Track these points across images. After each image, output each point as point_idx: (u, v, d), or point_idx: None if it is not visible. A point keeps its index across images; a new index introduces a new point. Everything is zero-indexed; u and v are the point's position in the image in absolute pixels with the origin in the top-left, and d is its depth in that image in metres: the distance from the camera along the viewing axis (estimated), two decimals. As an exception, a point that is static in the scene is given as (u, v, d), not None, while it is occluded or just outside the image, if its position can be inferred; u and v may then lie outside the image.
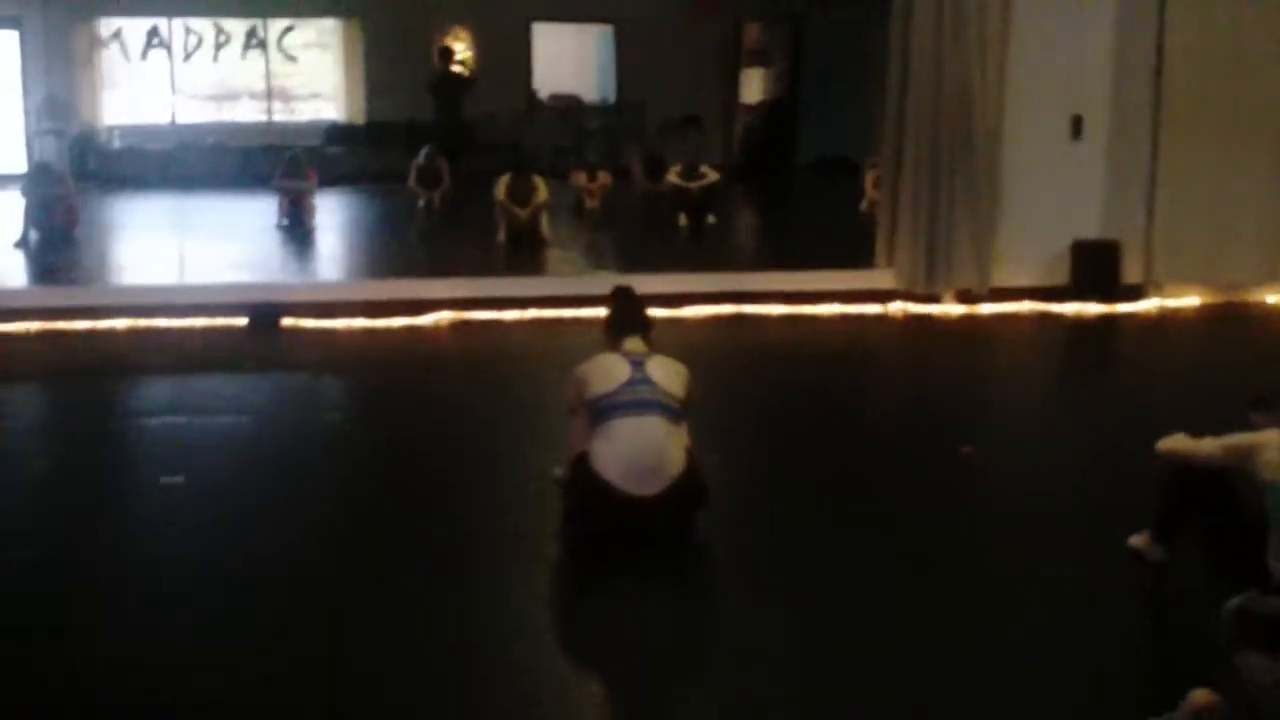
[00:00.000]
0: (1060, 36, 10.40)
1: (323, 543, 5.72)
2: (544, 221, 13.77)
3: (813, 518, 6.07)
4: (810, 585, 5.28)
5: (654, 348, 5.95)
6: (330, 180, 18.57)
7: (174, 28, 20.71)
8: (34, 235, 13.32)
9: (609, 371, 5.73)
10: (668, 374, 5.77)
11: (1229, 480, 4.99)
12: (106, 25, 20.56)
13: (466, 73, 19.42)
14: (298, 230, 14.55)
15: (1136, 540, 5.36)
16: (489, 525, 5.90)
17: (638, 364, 5.75)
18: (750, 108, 22.56)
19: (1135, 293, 10.72)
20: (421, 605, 5.04)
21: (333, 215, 16.03)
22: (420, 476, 6.66)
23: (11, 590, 5.13)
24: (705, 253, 13.30)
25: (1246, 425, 5.01)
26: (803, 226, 16.05)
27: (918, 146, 10.41)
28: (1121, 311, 10.58)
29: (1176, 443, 5.17)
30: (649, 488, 5.58)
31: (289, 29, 21.15)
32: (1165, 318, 10.57)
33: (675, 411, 5.72)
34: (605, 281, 10.83)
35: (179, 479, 6.45)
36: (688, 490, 5.70)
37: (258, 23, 20.93)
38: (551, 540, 5.76)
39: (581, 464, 5.67)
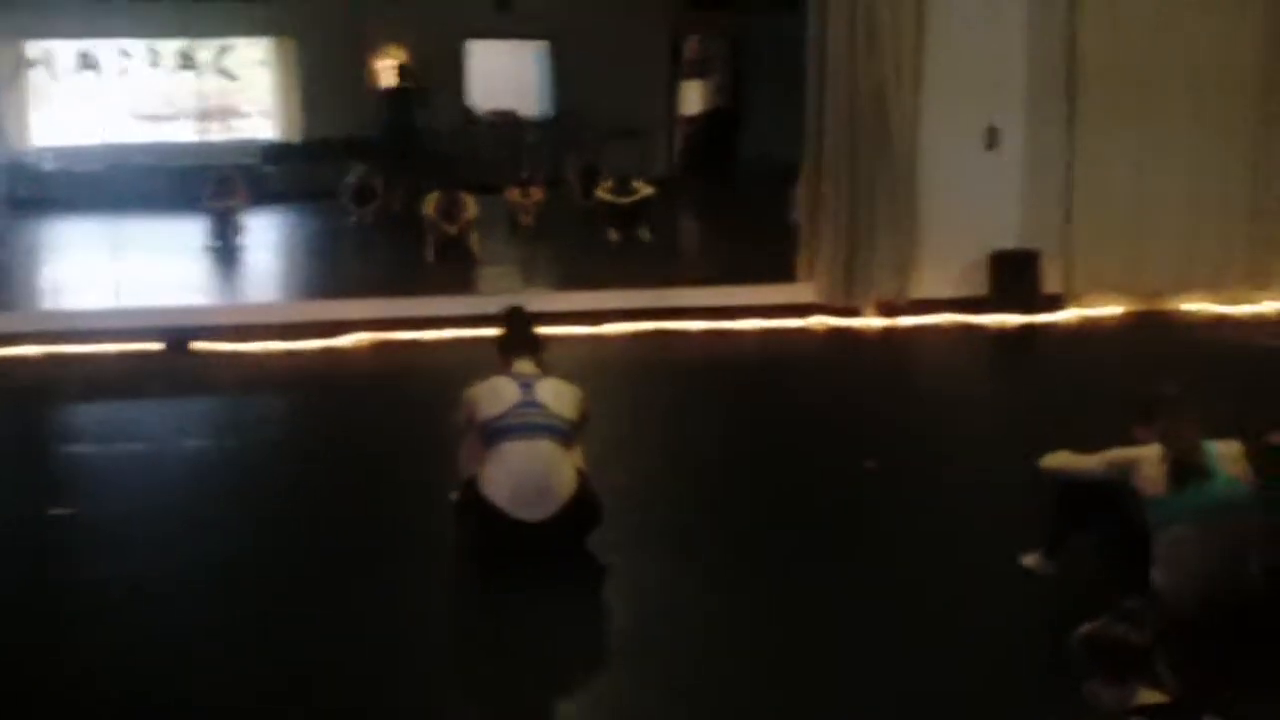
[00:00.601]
0: (974, 47, 10.39)
1: (209, 568, 5.64)
2: (472, 238, 13.71)
3: (710, 534, 6.05)
4: (703, 600, 5.28)
5: (546, 369, 5.89)
6: (266, 198, 18.51)
7: (105, 48, 20.51)
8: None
9: (499, 394, 5.68)
10: (558, 396, 5.72)
11: (1115, 495, 4.97)
12: (34, 47, 20.36)
13: (418, 86, 19.41)
14: (226, 250, 14.42)
15: (1028, 559, 5.34)
16: (388, 545, 5.86)
17: (527, 386, 5.69)
18: (690, 119, 22.62)
19: (1055, 303, 10.73)
20: (309, 624, 5.02)
21: (265, 234, 15.90)
22: (319, 499, 6.60)
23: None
24: (634, 268, 13.22)
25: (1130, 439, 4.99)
26: (737, 238, 15.95)
27: (835, 159, 10.40)
28: (1041, 322, 10.59)
29: (1059, 459, 5.17)
30: (539, 511, 5.53)
31: (224, 49, 21.02)
32: (1085, 327, 10.57)
33: (565, 434, 5.67)
34: (528, 299, 10.94)
35: (69, 510, 6.35)
36: (579, 513, 5.66)
37: (191, 42, 20.80)
38: (447, 561, 5.69)
39: (471, 487, 5.62)
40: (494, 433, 5.59)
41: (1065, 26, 10.38)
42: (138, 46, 20.64)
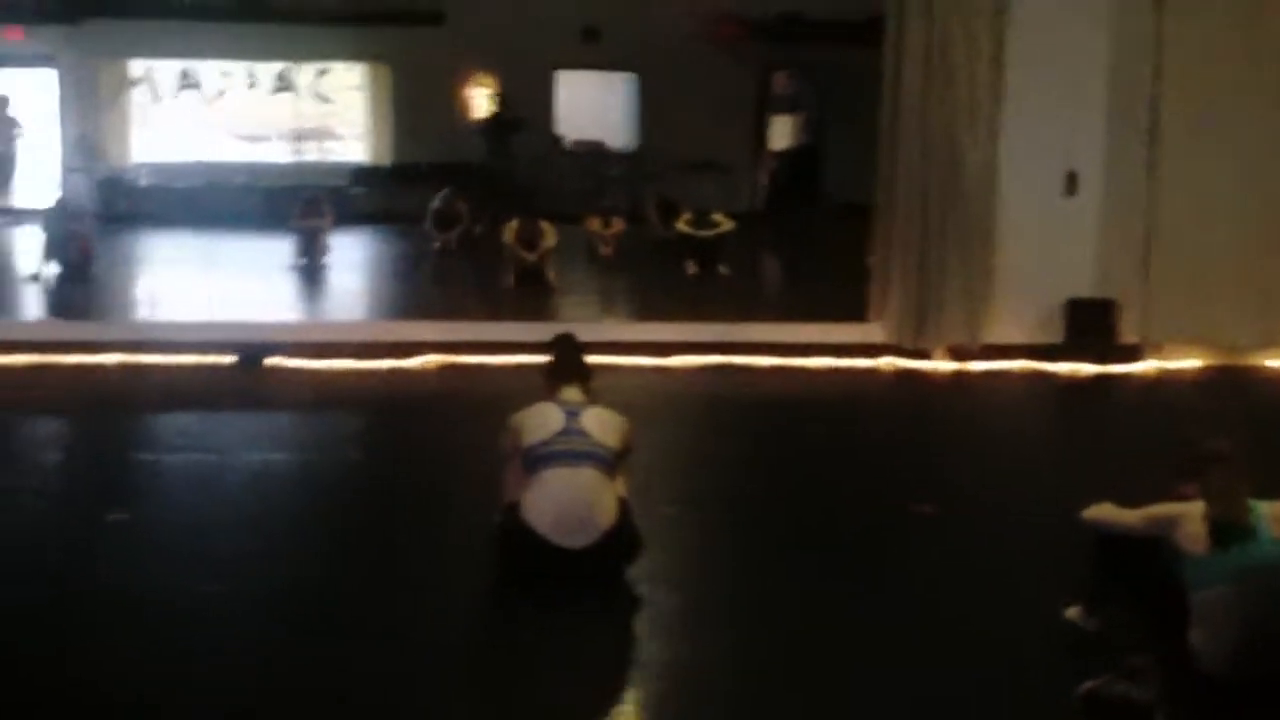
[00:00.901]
0: (1054, 91, 10.30)
1: (251, 578, 5.72)
2: (550, 266, 13.80)
3: (757, 570, 6.04)
4: (745, 636, 5.28)
5: (593, 397, 5.93)
6: (353, 220, 18.83)
7: (205, 69, 20.97)
8: (50, 270, 13.48)
9: (544, 420, 5.72)
10: (603, 425, 5.76)
11: (1154, 550, 4.90)
12: (138, 66, 20.85)
13: (514, 115, 19.61)
14: (311, 269, 14.65)
15: (1072, 612, 5.27)
16: (433, 566, 5.92)
17: (572, 414, 5.74)
18: (776, 154, 22.63)
19: (1131, 353, 10.58)
20: (344, 640, 5.10)
21: (350, 254, 16.14)
22: (369, 517, 6.68)
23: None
24: (708, 302, 13.24)
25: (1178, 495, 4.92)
26: (814, 276, 15.98)
27: (907, 201, 10.35)
28: (1116, 372, 10.43)
29: (1101, 511, 5.10)
30: (580, 539, 5.57)
31: (323, 72, 21.40)
32: (1162, 379, 10.38)
33: (608, 462, 5.70)
34: (594, 328, 11.01)
35: (125, 515, 6.48)
36: (619, 543, 5.68)
37: (289, 66, 21.20)
38: (486, 584, 5.73)
39: (512, 513, 5.65)
40: (537, 459, 5.63)
41: (1147, 70, 10.25)
42: (237, 68, 21.02)
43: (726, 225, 15.15)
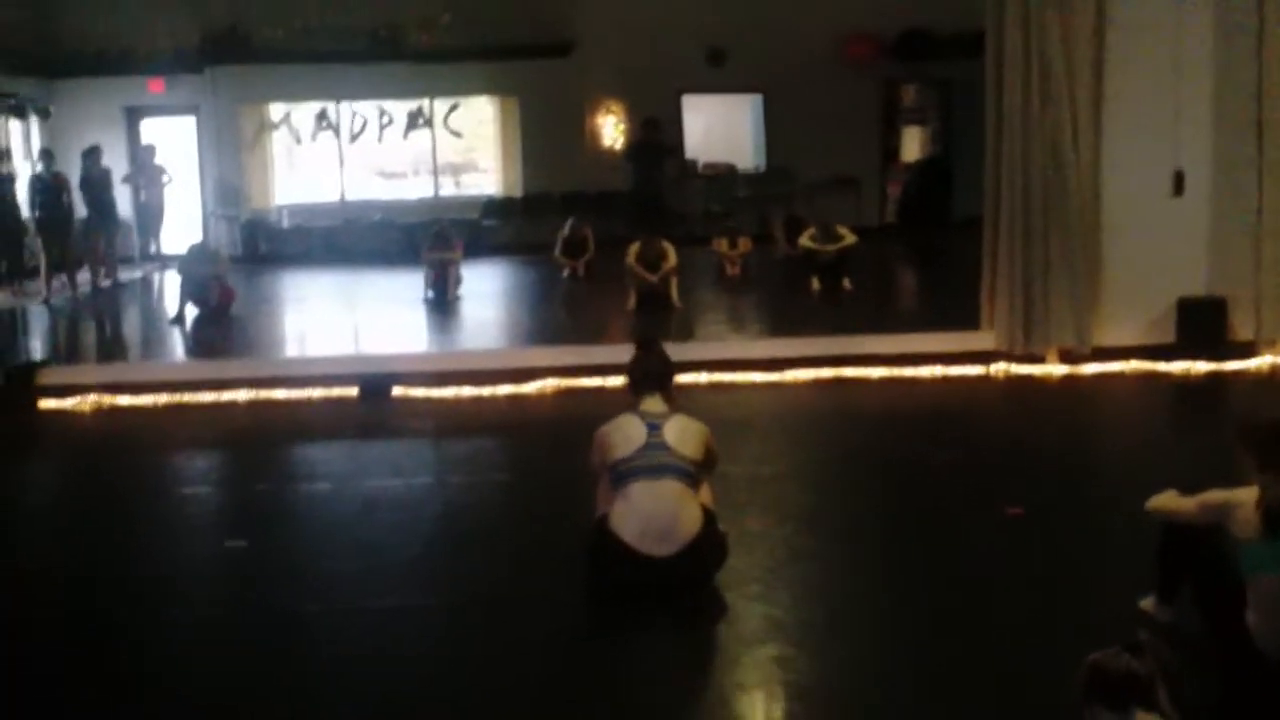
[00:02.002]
0: (1158, 92, 10.26)
1: (371, 605, 5.96)
2: (673, 286, 13.99)
3: (838, 577, 6.18)
4: (832, 641, 5.41)
5: (675, 406, 6.05)
6: (486, 251, 19.32)
7: (341, 109, 21.64)
8: (189, 312, 14.08)
9: (627, 436, 5.88)
10: (683, 436, 5.89)
11: (1215, 538, 4.92)
12: (276, 110, 21.60)
13: (663, 141, 19.86)
14: (442, 301, 15.05)
15: (1145, 603, 5.31)
16: (535, 584, 6.13)
17: (654, 427, 5.89)
18: (907, 166, 22.65)
19: (1245, 350, 10.45)
20: (437, 658, 5.33)
21: (481, 284, 16.55)
22: (473, 536, 6.92)
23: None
24: (828, 317, 13.34)
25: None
26: (940, 288, 16.00)
27: (1011, 206, 10.37)
28: (1230, 370, 10.32)
29: (1162, 500, 5.12)
30: (665, 548, 5.74)
31: (454, 107, 21.93)
32: (1276, 376, 10.26)
33: (690, 474, 5.85)
34: (709, 347, 11.22)
35: (243, 543, 6.84)
36: (704, 551, 5.85)
37: (422, 103, 21.77)
38: (580, 597, 5.92)
39: (602, 525, 5.86)
40: (623, 474, 5.82)
41: (1252, 66, 10.14)
42: (371, 107, 21.67)
43: (849, 239, 15.16)
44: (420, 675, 5.16)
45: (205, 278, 14.29)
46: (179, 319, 13.95)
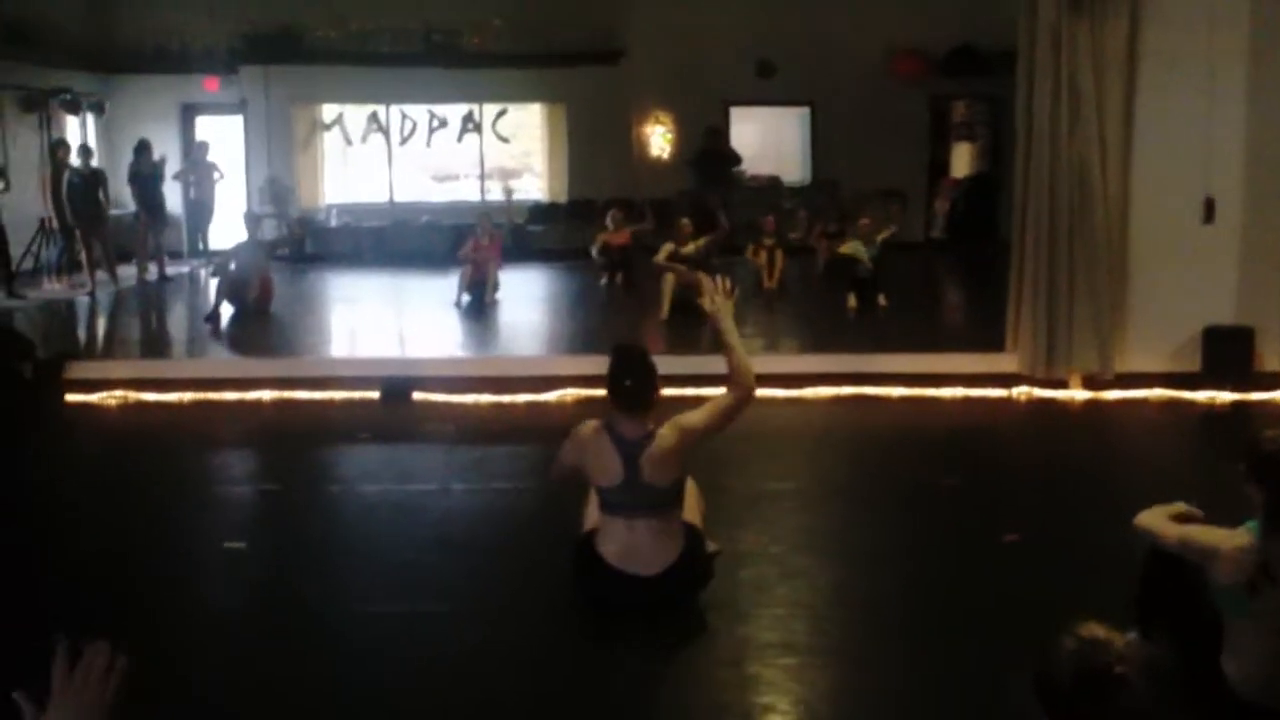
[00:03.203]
0: (1189, 118, 10.15)
1: (369, 610, 6.01)
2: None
3: (827, 598, 6.18)
4: (813, 663, 5.41)
5: (655, 418, 5.80)
6: (531, 256, 19.43)
7: (392, 112, 21.81)
8: (226, 310, 14.23)
9: (605, 467, 5.73)
10: (661, 464, 5.68)
11: (1197, 571, 4.80)
12: (328, 111, 21.80)
13: (727, 150, 19.91)
14: (479, 305, 15.11)
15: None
16: (526, 595, 6.16)
17: (630, 459, 5.68)
18: (955, 183, 22.53)
19: (1272, 381, 10.32)
20: (421, 658, 5.33)
21: (519, 289, 16.64)
22: (472, 546, 6.96)
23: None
24: (856, 333, 13.31)
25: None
26: (977, 306, 15.92)
27: (1038, 227, 10.31)
28: (1256, 400, 10.20)
29: (1149, 520, 4.89)
30: (647, 570, 5.74)
31: (502, 113, 22.04)
32: (1303, 407, 10.17)
33: (666, 506, 5.76)
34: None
35: (241, 545, 6.92)
36: (687, 572, 5.83)
37: (474, 107, 21.90)
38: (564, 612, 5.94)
39: (588, 541, 5.86)
40: (603, 503, 5.81)
41: (1287, 94, 10.07)
42: (421, 111, 21.82)
43: (885, 232, 15.15)
44: (408, 681, 5.19)
45: (241, 276, 14.43)
46: (213, 317, 14.09)
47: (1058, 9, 10.12)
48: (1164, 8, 10.17)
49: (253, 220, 16.00)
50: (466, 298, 15.23)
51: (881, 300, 14.72)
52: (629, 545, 5.73)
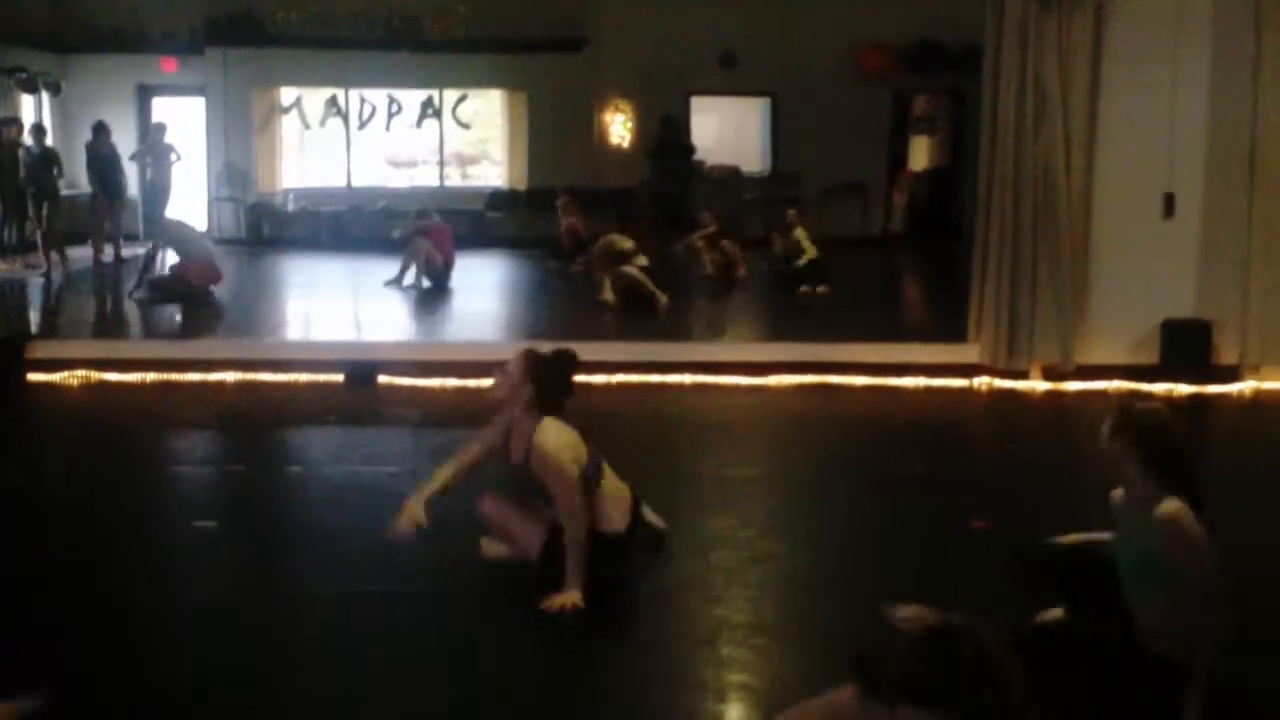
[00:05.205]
0: (1152, 114, 10.26)
1: (331, 590, 6.01)
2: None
3: (809, 579, 6.24)
4: (783, 644, 5.46)
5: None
6: (489, 244, 19.41)
7: (351, 96, 21.72)
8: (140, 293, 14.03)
9: (578, 447, 5.79)
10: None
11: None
12: (287, 94, 21.68)
13: (681, 141, 19.95)
14: (439, 289, 15.13)
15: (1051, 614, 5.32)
16: (492, 575, 6.16)
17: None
18: (915, 174, 22.70)
19: (1229, 374, 10.47)
20: (392, 649, 5.33)
21: (479, 276, 16.64)
22: (446, 532, 6.94)
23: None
24: (817, 323, 13.37)
25: None
26: (935, 297, 16.05)
27: (1001, 220, 10.40)
28: (1213, 393, 10.34)
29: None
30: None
31: (463, 98, 21.99)
32: (1259, 401, 10.29)
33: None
34: (698, 349, 11.29)
35: (211, 524, 6.90)
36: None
37: (434, 93, 21.83)
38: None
39: (593, 536, 5.73)
40: (588, 480, 5.81)
41: (1248, 92, 10.16)
42: (380, 96, 21.73)
43: (811, 252, 15.54)
44: (379, 662, 5.18)
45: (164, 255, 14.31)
46: (132, 293, 13.92)
47: (1025, 6, 10.21)
48: (1129, 6, 10.27)
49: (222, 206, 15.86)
50: (426, 282, 15.22)
51: (820, 290, 15.00)
52: (619, 494, 5.92)
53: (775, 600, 5.98)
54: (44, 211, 16.49)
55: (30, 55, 19.40)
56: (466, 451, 6.00)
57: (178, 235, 14.50)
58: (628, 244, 14.42)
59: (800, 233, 15.70)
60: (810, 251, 15.43)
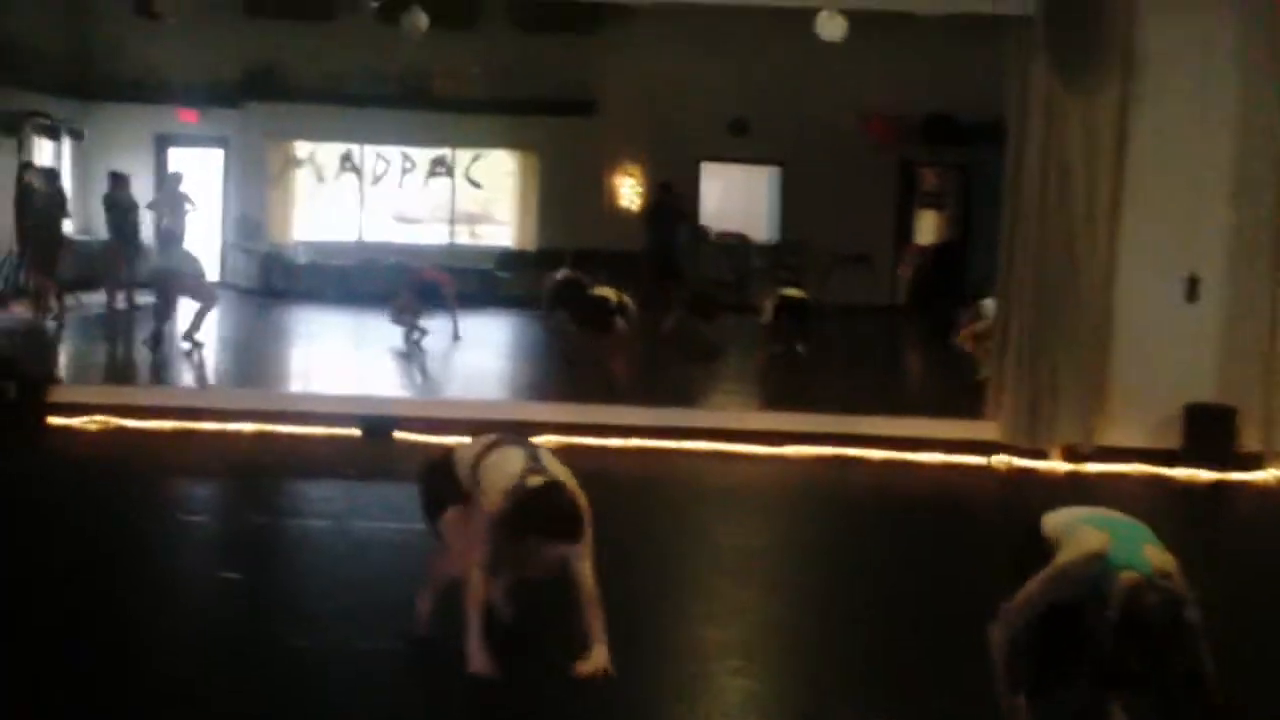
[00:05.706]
0: (1176, 195, 10.34)
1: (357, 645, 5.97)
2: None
3: (829, 651, 6.19)
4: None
5: None
6: (498, 303, 19.44)
7: (365, 152, 21.81)
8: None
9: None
10: None
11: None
12: (303, 148, 21.77)
13: (679, 205, 20.02)
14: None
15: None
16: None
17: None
18: (922, 248, 22.76)
19: (1253, 462, 10.44)
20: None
21: (489, 334, 16.66)
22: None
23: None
24: (827, 392, 13.37)
25: None
26: (947, 371, 16.03)
27: (1022, 298, 10.44)
28: (1236, 480, 10.30)
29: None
30: None
31: (476, 158, 22.09)
32: (1282, 489, 10.29)
33: None
34: (714, 416, 11.28)
35: (236, 575, 6.85)
36: None
37: (445, 152, 21.93)
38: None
39: None
40: None
41: (1273, 173, 10.23)
42: (394, 152, 21.82)
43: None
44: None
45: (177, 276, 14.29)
46: (157, 338, 13.87)
47: (1049, 83, 10.27)
48: (1155, 87, 10.37)
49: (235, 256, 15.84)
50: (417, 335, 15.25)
51: (799, 349, 15.10)
52: None
53: (794, 671, 5.95)
54: (43, 255, 16.44)
55: (50, 101, 19.47)
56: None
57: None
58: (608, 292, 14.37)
59: (791, 290, 15.57)
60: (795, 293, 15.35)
